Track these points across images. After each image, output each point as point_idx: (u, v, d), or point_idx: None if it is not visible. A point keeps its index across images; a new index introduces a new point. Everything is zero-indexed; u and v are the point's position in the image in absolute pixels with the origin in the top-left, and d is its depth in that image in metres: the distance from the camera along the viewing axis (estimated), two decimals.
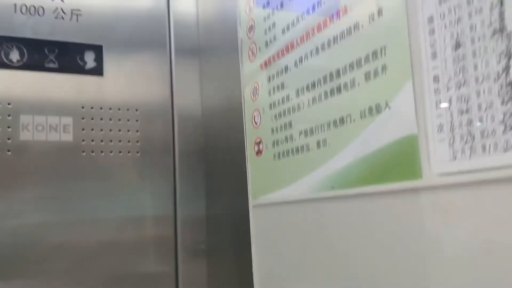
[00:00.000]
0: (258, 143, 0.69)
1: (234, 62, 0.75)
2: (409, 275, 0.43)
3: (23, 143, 0.76)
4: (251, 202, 0.69)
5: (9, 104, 0.76)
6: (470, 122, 0.37)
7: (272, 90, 0.65)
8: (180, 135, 0.88)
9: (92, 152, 0.80)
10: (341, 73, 0.52)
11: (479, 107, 0.37)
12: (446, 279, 0.39)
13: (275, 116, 0.65)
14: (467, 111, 0.38)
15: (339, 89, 0.52)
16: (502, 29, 0.35)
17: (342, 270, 0.51)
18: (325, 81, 0.55)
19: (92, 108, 0.80)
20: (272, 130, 0.65)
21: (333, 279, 0.52)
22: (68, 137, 0.78)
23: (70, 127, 0.78)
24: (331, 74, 0.53)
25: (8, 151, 0.75)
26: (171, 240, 0.84)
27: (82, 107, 0.80)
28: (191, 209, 0.87)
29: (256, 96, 0.70)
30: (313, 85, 0.56)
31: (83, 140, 0.79)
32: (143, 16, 0.88)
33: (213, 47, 0.90)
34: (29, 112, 0.76)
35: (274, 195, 0.64)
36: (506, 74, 0.35)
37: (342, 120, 0.52)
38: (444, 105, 0.40)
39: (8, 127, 0.75)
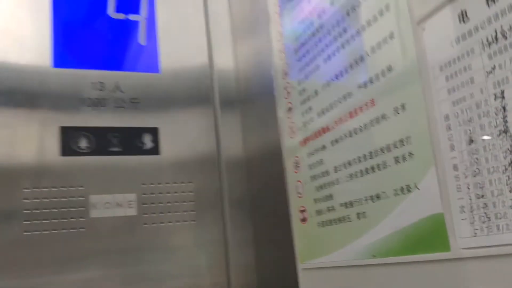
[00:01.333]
0: (303, 211, 0.77)
1: (272, 111, 0.84)
2: None
3: (93, 220, 0.86)
4: (299, 266, 0.77)
5: (81, 186, 0.86)
6: (485, 205, 0.45)
7: (312, 165, 0.74)
8: (230, 191, 0.96)
9: (153, 223, 0.89)
10: (373, 155, 0.60)
11: (492, 193, 0.44)
12: None
13: (317, 188, 0.73)
14: (482, 196, 0.45)
15: (373, 169, 0.60)
16: (506, 131, 0.43)
17: None
18: (359, 161, 0.63)
19: (151, 184, 0.91)
20: (315, 201, 0.73)
21: None
22: (132, 212, 0.88)
23: (133, 203, 0.88)
24: (364, 156, 0.62)
25: (82, 228, 0.85)
26: None
27: (143, 184, 0.90)
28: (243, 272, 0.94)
29: (298, 168, 0.78)
30: (349, 163, 0.65)
31: (144, 214, 0.89)
32: (190, 83, 0.98)
33: (252, 98, 0.99)
34: (98, 192, 0.87)
35: (321, 260, 0.71)
36: None
37: (378, 196, 0.59)
38: (463, 190, 0.47)
39: (81, 207, 0.86)
